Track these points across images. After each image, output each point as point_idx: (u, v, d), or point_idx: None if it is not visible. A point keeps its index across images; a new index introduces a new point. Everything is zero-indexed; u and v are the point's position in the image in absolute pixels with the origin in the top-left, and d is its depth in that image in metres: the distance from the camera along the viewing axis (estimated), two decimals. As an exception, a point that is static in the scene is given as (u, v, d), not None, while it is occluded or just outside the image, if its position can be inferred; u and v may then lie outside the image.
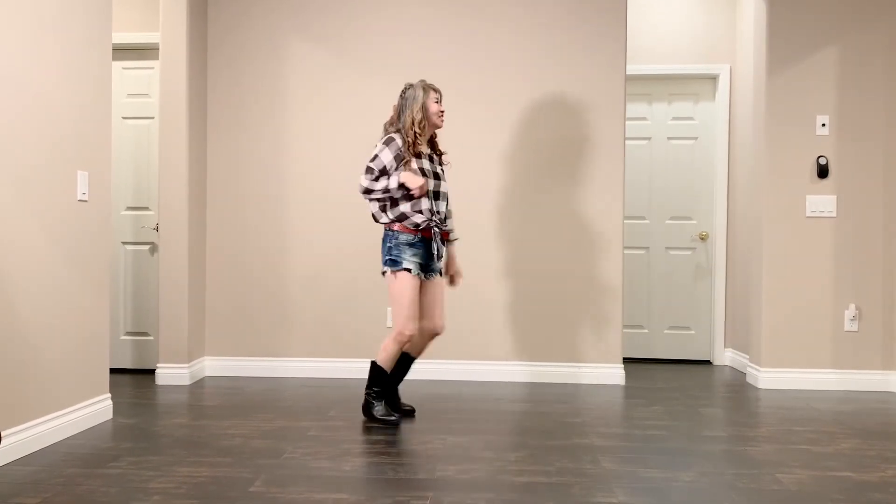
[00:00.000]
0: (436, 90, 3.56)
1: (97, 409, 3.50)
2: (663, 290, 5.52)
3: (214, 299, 4.76)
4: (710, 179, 5.47)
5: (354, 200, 4.71)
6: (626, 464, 2.93)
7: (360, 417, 3.66)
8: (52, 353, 3.17)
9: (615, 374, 4.60)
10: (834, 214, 4.48)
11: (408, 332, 3.47)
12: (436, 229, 3.49)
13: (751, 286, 4.72)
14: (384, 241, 3.51)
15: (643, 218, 5.54)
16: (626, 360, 5.47)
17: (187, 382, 4.47)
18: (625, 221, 5.46)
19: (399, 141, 3.47)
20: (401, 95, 3.57)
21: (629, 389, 4.44)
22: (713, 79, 5.45)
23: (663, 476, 2.78)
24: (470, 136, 4.65)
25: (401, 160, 3.46)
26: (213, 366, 4.76)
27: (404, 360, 3.67)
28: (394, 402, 3.71)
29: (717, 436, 3.37)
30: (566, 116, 4.61)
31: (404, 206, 3.46)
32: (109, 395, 3.66)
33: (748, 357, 4.90)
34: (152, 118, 4.82)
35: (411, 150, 3.47)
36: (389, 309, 4.68)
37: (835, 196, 4.47)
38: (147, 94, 4.83)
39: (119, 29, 4.77)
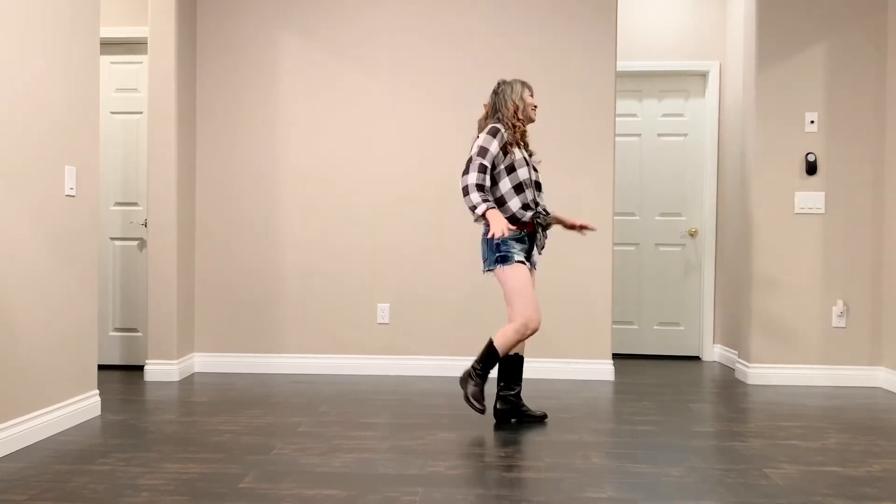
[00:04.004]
0: (530, 85, 3.51)
1: (85, 405, 3.49)
2: (653, 287, 5.54)
3: (203, 295, 4.74)
4: (699, 176, 5.49)
5: (344, 196, 4.69)
6: (615, 459, 2.94)
7: (350, 413, 3.65)
8: (40, 350, 3.15)
9: (605, 370, 4.61)
10: (822, 211, 4.50)
11: (532, 325, 3.35)
12: (538, 222, 3.45)
13: (740, 282, 4.74)
14: (489, 238, 3.38)
15: (633, 214, 5.55)
16: (616, 356, 5.49)
17: (176, 379, 4.45)
18: (615, 218, 5.47)
19: (504, 131, 3.38)
20: (494, 92, 3.50)
21: (618, 385, 4.45)
22: (703, 75, 5.47)
23: (652, 471, 2.79)
24: (459, 134, 4.65)
25: (506, 151, 3.38)
26: (202, 362, 4.74)
27: (517, 364, 3.51)
28: (519, 411, 3.53)
29: (705, 431, 3.39)
30: (556, 113, 4.61)
31: (513, 205, 3.39)
32: (98, 391, 3.64)
33: (737, 353, 4.93)
34: (141, 113, 4.79)
35: (515, 139, 3.41)
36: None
37: (823, 193, 4.50)
38: (136, 88, 4.80)
39: (107, 23, 4.74)
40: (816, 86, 4.50)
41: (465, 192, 3.32)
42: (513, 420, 3.54)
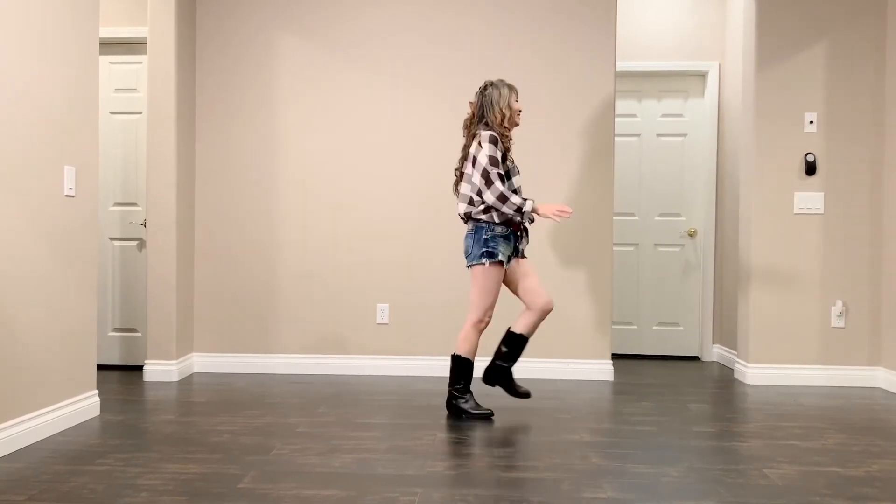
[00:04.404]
0: (516, 89, 3.61)
1: (84, 405, 3.48)
2: (652, 287, 5.54)
3: (202, 295, 4.74)
4: (698, 176, 5.49)
5: (344, 196, 4.69)
6: (614, 459, 2.94)
7: (349, 413, 3.65)
8: (39, 350, 3.15)
9: (604, 370, 4.61)
10: (821, 211, 4.50)
11: (487, 319, 3.59)
12: (524, 225, 3.63)
13: (739, 282, 4.74)
14: (476, 233, 3.53)
15: (632, 214, 5.55)
16: (615, 356, 5.48)
17: (175, 379, 4.45)
18: (614, 218, 5.47)
19: (499, 139, 3.51)
20: (481, 93, 3.59)
21: (618, 385, 4.45)
22: (702, 76, 5.47)
23: (651, 471, 2.79)
24: (457, 133, 4.64)
25: (504, 158, 3.53)
26: (201, 362, 4.74)
27: (520, 343, 3.64)
28: (508, 381, 3.70)
29: (704, 431, 3.39)
30: (556, 113, 4.61)
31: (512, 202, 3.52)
32: (97, 391, 3.64)
33: (736, 353, 4.93)
34: (140, 113, 4.79)
35: (506, 147, 3.55)
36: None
37: (822, 193, 4.50)
38: (135, 88, 4.80)
39: (106, 23, 4.73)
40: (816, 86, 4.50)
41: (502, 199, 3.43)
42: (496, 385, 3.71)
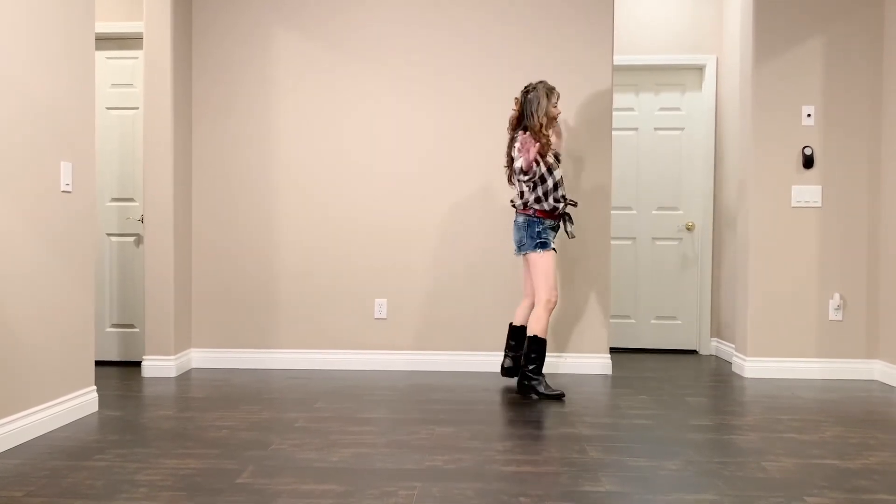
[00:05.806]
0: (557, 93, 3.96)
1: (83, 401, 3.48)
2: (650, 281, 5.54)
3: (201, 291, 4.74)
4: (696, 170, 5.49)
5: (341, 190, 4.69)
6: (612, 453, 2.94)
7: (348, 408, 3.65)
8: (37, 346, 3.15)
9: (602, 364, 4.61)
10: (819, 204, 4.50)
11: (554, 299, 3.94)
12: (566, 213, 4.03)
13: (736, 276, 4.75)
14: (529, 227, 3.93)
15: (630, 208, 5.55)
16: (613, 350, 5.49)
17: (174, 374, 4.45)
18: (612, 212, 5.47)
19: (539, 144, 3.85)
20: (524, 94, 3.95)
21: (616, 379, 4.46)
22: (700, 69, 5.46)
23: (649, 464, 2.79)
24: (456, 127, 4.64)
25: (542, 158, 3.91)
26: (199, 358, 4.74)
27: (522, 333, 4.12)
28: (521, 370, 3.99)
29: (702, 424, 3.40)
30: (553, 107, 4.60)
31: (551, 201, 3.94)
32: (95, 387, 3.64)
33: (734, 346, 4.93)
34: (137, 108, 4.77)
35: (544, 152, 3.88)
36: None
37: (820, 186, 4.50)
38: (131, 84, 4.78)
39: (102, 18, 4.72)
40: (813, 79, 4.50)
41: (538, 201, 3.91)
42: (516, 377, 4.13)
